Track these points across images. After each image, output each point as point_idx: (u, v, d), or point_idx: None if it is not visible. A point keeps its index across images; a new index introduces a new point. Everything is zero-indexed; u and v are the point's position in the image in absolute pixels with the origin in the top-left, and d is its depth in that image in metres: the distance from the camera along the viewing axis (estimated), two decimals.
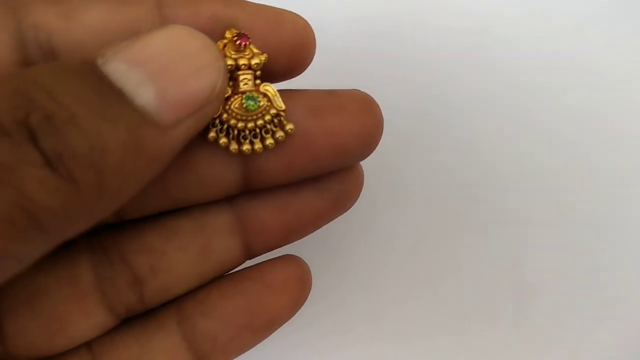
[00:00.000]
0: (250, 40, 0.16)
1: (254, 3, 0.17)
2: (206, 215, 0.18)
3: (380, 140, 0.23)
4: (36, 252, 0.13)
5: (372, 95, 0.17)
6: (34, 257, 0.13)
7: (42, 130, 0.12)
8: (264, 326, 0.19)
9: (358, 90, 0.18)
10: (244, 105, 0.16)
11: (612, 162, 0.26)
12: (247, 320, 0.18)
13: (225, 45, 0.16)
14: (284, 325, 0.19)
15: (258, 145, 0.17)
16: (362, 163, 0.19)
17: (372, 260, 0.25)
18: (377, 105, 0.18)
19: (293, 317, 0.19)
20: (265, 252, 0.19)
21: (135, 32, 0.15)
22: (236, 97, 0.17)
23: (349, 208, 0.19)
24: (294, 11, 0.17)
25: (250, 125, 0.17)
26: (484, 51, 0.26)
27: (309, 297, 0.20)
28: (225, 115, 0.16)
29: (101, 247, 0.18)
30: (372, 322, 0.24)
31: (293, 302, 0.19)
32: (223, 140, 0.17)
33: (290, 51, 0.17)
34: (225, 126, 0.17)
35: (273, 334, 0.19)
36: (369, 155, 0.18)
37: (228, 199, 0.19)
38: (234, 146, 0.17)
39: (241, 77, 0.17)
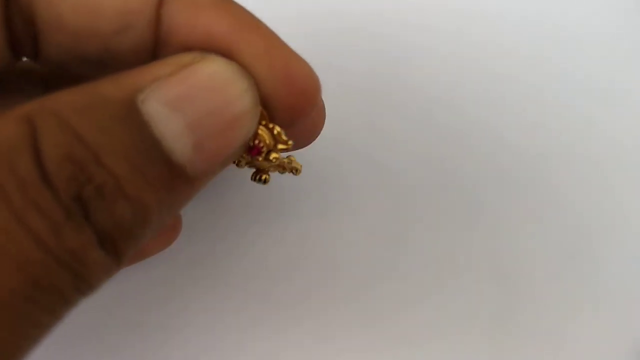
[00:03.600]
0: (264, 146, 0.16)
1: (264, 30, 0.15)
2: None
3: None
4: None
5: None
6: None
7: (94, 205, 0.12)
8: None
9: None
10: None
11: (593, 154, 0.26)
12: None
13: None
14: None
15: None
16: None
17: (351, 254, 0.25)
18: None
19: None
20: None
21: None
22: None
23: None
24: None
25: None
26: (467, 43, 0.26)
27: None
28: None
29: None
30: (349, 317, 0.24)
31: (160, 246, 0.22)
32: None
33: (294, 102, 0.15)
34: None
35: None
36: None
37: None
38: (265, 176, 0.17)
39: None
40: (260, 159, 0.16)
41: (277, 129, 0.16)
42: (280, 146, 0.16)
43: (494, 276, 0.25)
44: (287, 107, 0.15)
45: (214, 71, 0.14)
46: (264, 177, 0.17)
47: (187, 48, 0.15)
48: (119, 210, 0.12)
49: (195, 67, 0.13)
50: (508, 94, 0.26)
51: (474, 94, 0.26)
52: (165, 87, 0.13)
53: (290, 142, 0.16)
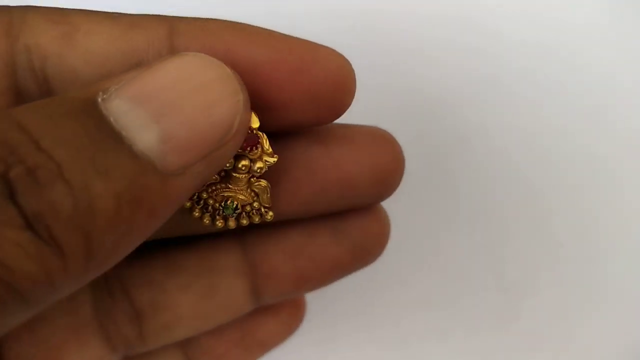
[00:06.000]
0: (259, 141, 0.15)
1: (279, 35, 0.14)
2: (214, 253, 0.17)
3: None
4: (15, 321, 0.12)
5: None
6: (12, 325, 0.12)
7: (22, 186, 0.11)
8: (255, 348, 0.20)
9: (376, 127, 0.16)
10: (222, 208, 0.16)
11: (595, 159, 0.26)
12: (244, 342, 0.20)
13: None
14: None
15: (231, 223, 0.16)
16: None
17: None
18: (397, 143, 0.16)
19: None
20: (276, 301, 0.19)
21: (140, 62, 0.14)
22: (221, 186, 0.16)
23: (373, 260, 0.18)
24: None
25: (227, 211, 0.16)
26: (472, 45, 0.26)
27: None
28: (205, 195, 0.16)
29: (103, 276, 0.16)
30: (354, 318, 0.24)
31: (285, 331, 0.20)
32: (196, 213, 0.16)
33: (323, 97, 0.14)
34: (202, 201, 0.16)
35: None
36: (388, 195, 0.17)
37: (239, 237, 0.18)
38: (206, 219, 0.16)
39: (235, 176, 0.15)
40: (243, 163, 0.15)
41: (264, 135, 0.15)
42: (266, 158, 0.15)
43: (495, 278, 0.25)
44: (321, 100, 0.14)
45: (182, 63, 0.13)
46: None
47: None
48: (55, 194, 0.11)
49: (163, 63, 0.13)
50: (510, 96, 0.26)
51: (475, 95, 0.25)
52: (129, 84, 0.12)
53: (275, 156, 0.15)
